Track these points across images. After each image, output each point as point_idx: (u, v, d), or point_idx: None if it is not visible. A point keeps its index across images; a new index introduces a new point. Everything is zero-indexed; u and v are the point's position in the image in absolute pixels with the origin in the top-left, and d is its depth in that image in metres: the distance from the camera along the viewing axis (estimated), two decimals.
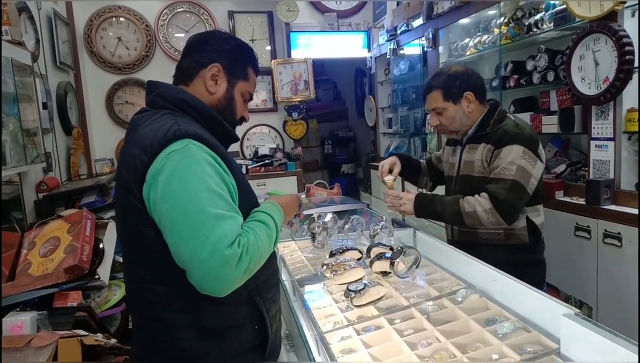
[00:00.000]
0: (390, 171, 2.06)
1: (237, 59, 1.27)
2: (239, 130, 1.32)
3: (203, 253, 0.97)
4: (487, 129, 1.82)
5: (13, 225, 2.29)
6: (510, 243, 1.79)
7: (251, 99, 1.34)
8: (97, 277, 1.98)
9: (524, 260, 1.73)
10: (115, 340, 1.70)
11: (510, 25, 2.85)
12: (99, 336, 1.66)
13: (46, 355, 1.45)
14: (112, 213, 2.60)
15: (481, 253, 1.52)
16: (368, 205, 2.59)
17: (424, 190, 2.26)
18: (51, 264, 1.91)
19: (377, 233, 1.81)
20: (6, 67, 2.27)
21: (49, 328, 1.63)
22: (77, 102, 3.80)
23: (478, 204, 1.70)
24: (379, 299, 1.36)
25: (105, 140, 4.24)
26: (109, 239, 2.14)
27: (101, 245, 2.09)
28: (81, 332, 1.61)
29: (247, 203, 1.18)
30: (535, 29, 2.65)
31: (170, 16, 4.36)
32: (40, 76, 2.95)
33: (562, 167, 2.60)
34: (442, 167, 2.15)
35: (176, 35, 4.40)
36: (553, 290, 2.35)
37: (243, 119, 1.33)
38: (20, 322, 1.59)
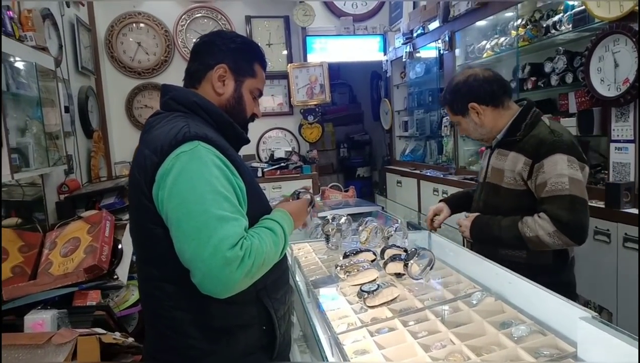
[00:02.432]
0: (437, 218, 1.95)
1: (243, 56, 1.28)
2: (255, 133, 1.32)
3: (205, 254, 0.98)
4: (517, 135, 1.67)
5: (35, 226, 2.35)
6: (533, 264, 1.62)
7: (261, 95, 1.34)
8: (115, 277, 2.02)
9: (548, 282, 1.31)
10: (133, 339, 1.73)
11: (528, 27, 2.82)
12: (117, 335, 1.69)
13: (66, 352, 1.48)
14: None
15: None
16: (383, 207, 2.59)
17: None
18: (71, 264, 1.96)
19: (392, 235, 1.80)
20: (30, 71, 2.34)
21: (69, 326, 1.67)
22: (98, 106, 3.89)
23: (539, 228, 1.54)
24: (392, 300, 1.36)
25: (124, 143, 4.31)
26: (128, 240, 2.18)
27: (120, 246, 2.13)
28: (100, 330, 1.65)
29: (257, 206, 1.18)
30: (553, 31, 2.62)
31: (188, 21, 4.43)
32: (63, 81, 3.03)
33: None
34: None
35: (194, 40, 4.44)
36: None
37: (255, 116, 1.34)
38: (42, 320, 1.63)
